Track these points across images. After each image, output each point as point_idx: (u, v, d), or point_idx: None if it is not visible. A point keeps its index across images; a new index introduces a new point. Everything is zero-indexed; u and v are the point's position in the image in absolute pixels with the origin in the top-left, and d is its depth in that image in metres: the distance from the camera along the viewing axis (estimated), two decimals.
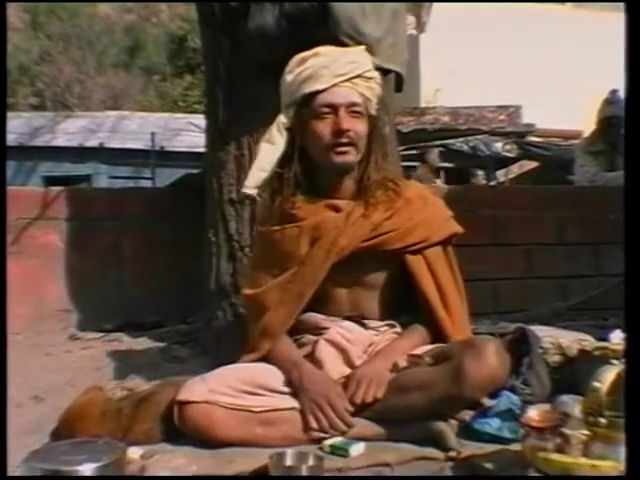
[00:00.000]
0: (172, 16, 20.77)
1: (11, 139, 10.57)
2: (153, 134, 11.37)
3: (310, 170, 1.87)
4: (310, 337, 1.84)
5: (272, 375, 1.74)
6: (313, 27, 2.28)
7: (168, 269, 3.40)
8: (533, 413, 1.47)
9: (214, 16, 2.68)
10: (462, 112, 8.42)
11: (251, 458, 1.51)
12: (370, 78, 1.86)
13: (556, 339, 2.09)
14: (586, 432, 1.36)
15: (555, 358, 2.04)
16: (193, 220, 2.92)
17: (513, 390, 1.77)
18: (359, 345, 1.80)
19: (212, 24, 2.71)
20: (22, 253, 3.30)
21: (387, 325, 1.87)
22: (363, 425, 1.65)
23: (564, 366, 2.03)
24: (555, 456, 1.33)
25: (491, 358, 1.60)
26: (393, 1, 2.52)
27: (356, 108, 1.82)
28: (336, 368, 1.76)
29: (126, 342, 2.93)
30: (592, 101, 4.63)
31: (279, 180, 1.87)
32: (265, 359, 1.80)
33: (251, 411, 1.64)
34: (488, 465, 1.46)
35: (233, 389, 1.66)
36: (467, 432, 1.63)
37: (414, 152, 7.22)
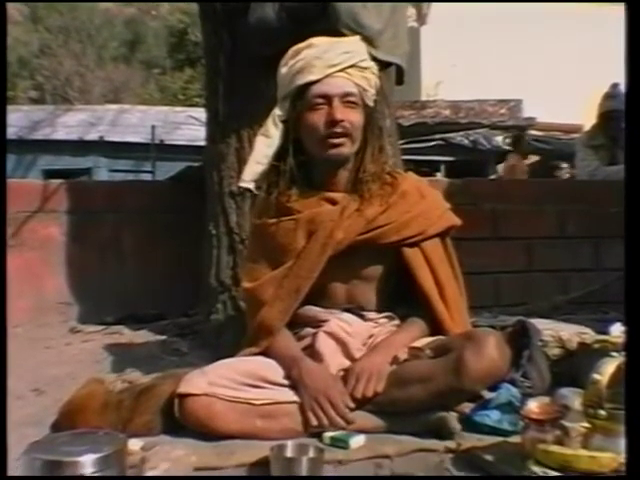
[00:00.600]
0: (172, 9, 20.71)
1: (11, 132, 10.54)
2: (153, 127, 11.35)
3: (306, 163, 1.86)
4: (309, 330, 1.84)
5: (272, 368, 1.74)
6: (313, 20, 2.27)
7: (168, 262, 3.40)
8: (533, 405, 1.48)
9: (215, 10, 2.67)
10: (463, 106, 8.39)
11: (252, 450, 1.52)
12: (365, 68, 1.84)
13: (556, 332, 2.09)
14: (586, 424, 1.36)
15: (555, 351, 2.05)
16: (193, 213, 2.93)
17: (513, 383, 1.78)
18: (358, 337, 1.80)
19: (213, 18, 2.71)
20: (22, 246, 3.31)
21: (386, 317, 1.87)
22: (363, 417, 1.65)
23: (564, 359, 2.03)
24: (555, 448, 1.33)
25: (491, 351, 1.60)
26: (393, 0, 2.52)
27: (351, 98, 1.80)
28: (336, 360, 1.76)
29: (126, 335, 2.94)
30: (593, 95, 4.62)
31: (275, 173, 1.86)
32: (264, 354, 1.80)
33: (251, 404, 1.64)
34: (488, 457, 1.46)
35: (233, 382, 1.66)
36: (467, 424, 1.63)
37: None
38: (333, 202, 1.85)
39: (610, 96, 4.36)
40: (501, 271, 3.31)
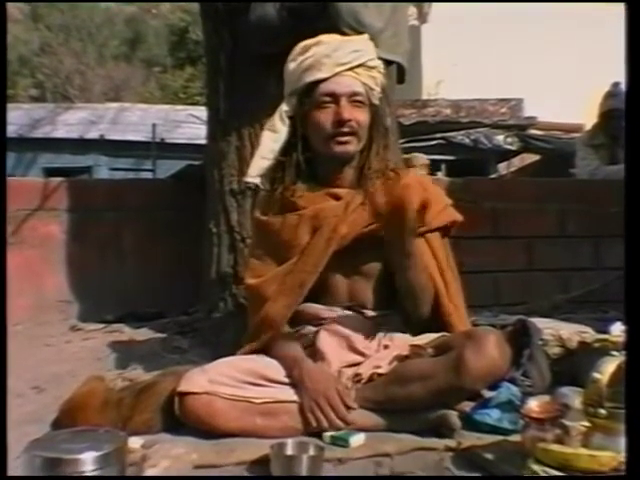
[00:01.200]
0: (173, 8, 20.69)
1: (11, 130, 10.54)
2: (154, 126, 11.34)
3: (311, 159, 1.87)
4: (310, 328, 1.84)
5: (272, 366, 1.74)
6: (314, 18, 2.27)
7: (169, 260, 3.40)
8: (533, 404, 1.48)
9: (216, 8, 2.67)
10: (464, 105, 8.40)
11: (252, 448, 1.52)
12: (373, 67, 1.86)
13: (556, 331, 2.09)
14: (586, 423, 1.36)
15: (555, 350, 2.05)
16: (194, 211, 2.93)
17: (513, 381, 1.78)
18: (360, 333, 1.79)
19: (213, 16, 2.71)
20: (22, 244, 3.30)
21: (387, 315, 1.86)
22: (363, 416, 1.65)
23: (564, 358, 2.03)
24: (555, 447, 1.33)
25: (492, 349, 1.60)
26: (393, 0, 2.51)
27: (358, 98, 1.81)
28: (339, 357, 1.75)
29: (127, 333, 2.93)
30: (593, 94, 4.62)
31: (281, 168, 1.87)
32: (265, 352, 1.80)
33: (251, 402, 1.64)
34: (488, 456, 1.46)
35: (233, 380, 1.66)
36: (467, 423, 1.63)
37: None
38: (337, 198, 1.86)
39: (611, 95, 4.35)
40: (501, 270, 3.31)
